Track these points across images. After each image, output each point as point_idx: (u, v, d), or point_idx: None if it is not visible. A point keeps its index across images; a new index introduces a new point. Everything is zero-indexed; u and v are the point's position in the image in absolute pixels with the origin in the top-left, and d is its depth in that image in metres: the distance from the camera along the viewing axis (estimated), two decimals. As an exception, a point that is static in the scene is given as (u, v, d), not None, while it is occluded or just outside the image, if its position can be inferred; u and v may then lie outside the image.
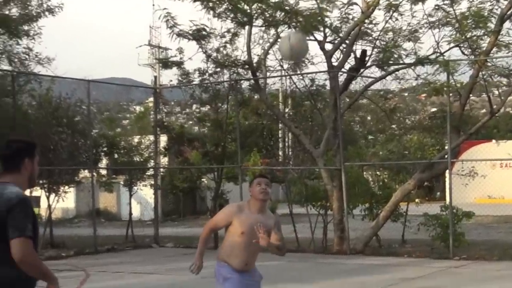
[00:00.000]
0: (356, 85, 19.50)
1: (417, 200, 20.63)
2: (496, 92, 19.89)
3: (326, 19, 18.03)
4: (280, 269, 14.35)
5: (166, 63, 20.04)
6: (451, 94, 18.01)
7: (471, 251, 16.71)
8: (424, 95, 24.45)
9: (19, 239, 4.04)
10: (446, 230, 16.89)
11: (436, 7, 17.83)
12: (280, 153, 24.75)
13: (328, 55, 18.24)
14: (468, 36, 17.66)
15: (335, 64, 18.32)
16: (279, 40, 17.86)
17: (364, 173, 21.43)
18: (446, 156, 17.81)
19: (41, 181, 21.13)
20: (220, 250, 6.55)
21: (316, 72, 19.76)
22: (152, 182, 22.54)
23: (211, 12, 17.67)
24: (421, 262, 15.78)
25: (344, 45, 18.42)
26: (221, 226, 6.55)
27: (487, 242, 18.41)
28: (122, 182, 24.18)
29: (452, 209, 16.98)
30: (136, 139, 24.03)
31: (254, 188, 6.36)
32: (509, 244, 18.35)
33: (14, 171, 4.28)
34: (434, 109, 25.05)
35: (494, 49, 17.58)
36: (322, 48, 18.37)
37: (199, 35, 18.29)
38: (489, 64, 17.82)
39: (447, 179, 26.35)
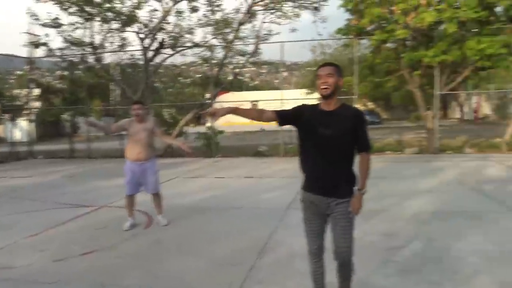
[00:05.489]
0: (157, 58, 19.25)
1: (191, 124, 21.94)
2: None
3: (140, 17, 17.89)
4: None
5: (36, 45, 18.79)
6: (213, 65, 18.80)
7: (223, 152, 17.51)
8: (194, 66, 25.44)
9: None
10: (209, 140, 17.91)
11: (204, 14, 18.22)
12: (112, 99, 25.12)
13: (141, 40, 18.26)
14: (221, 32, 18.10)
15: (146, 46, 18.35)
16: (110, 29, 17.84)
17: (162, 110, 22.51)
18: (209, 100, 18.92)
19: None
20: None
21: (134, 50, 19.79)
22: (28, 118, 21.87)
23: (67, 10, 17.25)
24: (197, 160, 16.11)
25: (151, 35, 18.23)
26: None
27: (229, 148, 18.99)
28: (8, 118, 22.97)
29: (214, 129, 18.07)
30: (18, 91, 23.33)
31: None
32: (240, 147, 19.35)
33: None
34: (199, 75, 26.15)
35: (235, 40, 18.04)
36: (138, 36, 18.24)
37: (56, 24, 17.71)
38: (232, 48, 18.43)
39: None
